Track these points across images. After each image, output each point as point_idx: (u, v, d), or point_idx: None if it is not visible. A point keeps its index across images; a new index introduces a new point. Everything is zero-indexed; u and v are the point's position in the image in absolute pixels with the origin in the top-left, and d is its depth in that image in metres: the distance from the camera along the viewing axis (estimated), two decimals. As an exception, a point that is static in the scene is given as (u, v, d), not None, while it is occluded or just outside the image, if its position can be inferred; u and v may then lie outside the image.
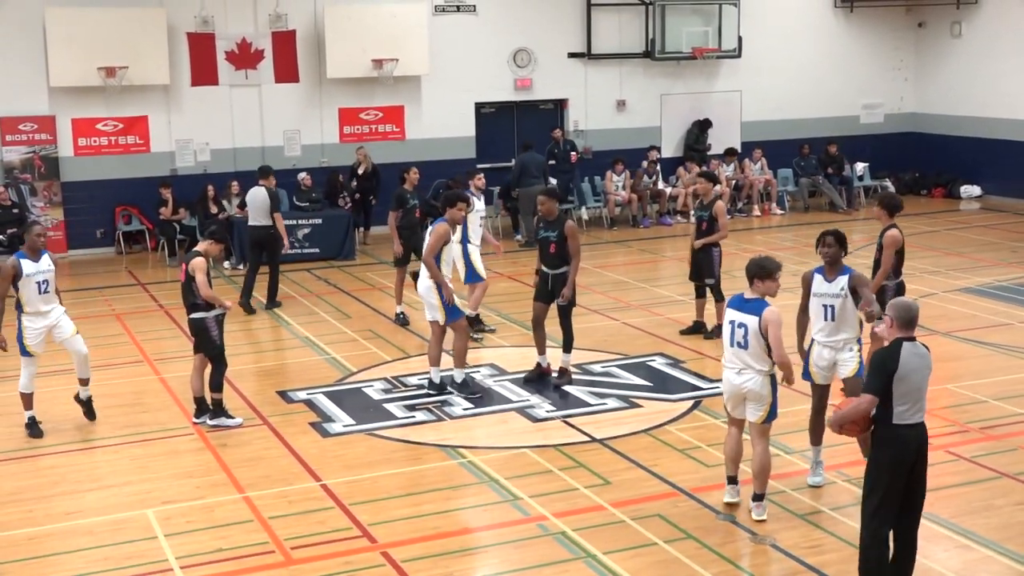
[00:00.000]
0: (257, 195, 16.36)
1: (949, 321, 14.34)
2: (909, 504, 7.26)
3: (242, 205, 18.12)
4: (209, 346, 11.08)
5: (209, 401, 11.19)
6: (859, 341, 9.37)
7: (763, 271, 8.53)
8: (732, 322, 8.54)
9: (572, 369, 12.27)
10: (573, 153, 21.84)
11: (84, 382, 11.25)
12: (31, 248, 10.78)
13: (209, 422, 11.16)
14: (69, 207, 20.38)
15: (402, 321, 15.12)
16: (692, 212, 14.28)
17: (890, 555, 7.35)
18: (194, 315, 11.05)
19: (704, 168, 23.04)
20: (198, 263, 10.90)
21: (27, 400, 11.01)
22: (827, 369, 9.36)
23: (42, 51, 19.68)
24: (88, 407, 11.37)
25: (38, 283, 10.71)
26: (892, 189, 25.38)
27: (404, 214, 14.99)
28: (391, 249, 15.37)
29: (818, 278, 9.45)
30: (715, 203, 13.90)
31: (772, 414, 8.59)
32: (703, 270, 13.95)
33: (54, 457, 10.54)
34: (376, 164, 20.86)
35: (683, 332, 14.08)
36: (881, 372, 7.11)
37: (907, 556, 7.36)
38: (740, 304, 8.59)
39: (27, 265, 10.64)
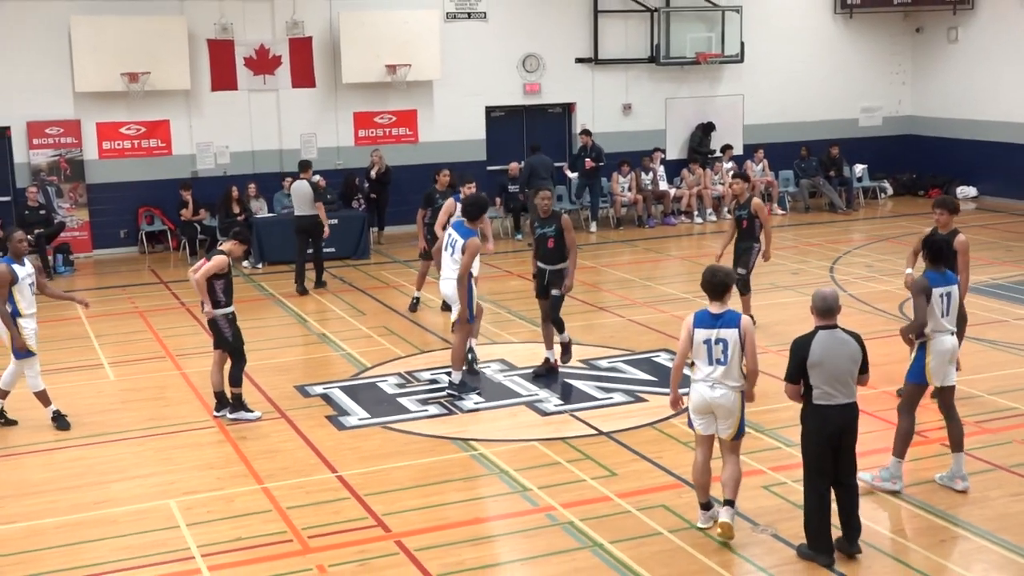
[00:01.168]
0: (300, 188, 17.27)
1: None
2: (845, 467, 7.84)
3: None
4: (223, 342, 11.10)
5: (229, 395, 11.22)
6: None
7: (726, 286, 8.04)
8: (708, 340, 7.92)
9: (574, 358, 12.28)
10: (588, 160, 21.67)
11: (3, 394, 11.19)
12: (15, 254, 10.81)
13: (229, 415, 11.19)
14: (94, 208, 20.45)
15: (414, 305, 15.43)
16: (731, 212, 14.22)
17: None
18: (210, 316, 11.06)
19: (707, 170, 23.19)
20: (217, 258, 10.91)
21: (44, 397, 11.05)
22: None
23: (68, 58, 19.74)
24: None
25: (28, 285, 10.81)
26: (890, 191, 25.41)
27: (431, 213, 15.03)
28: (408, 247, 15.49)
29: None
30: (752, 201, 13.95)
31: (741, 430, 8.17)
32: (739, 261, 13.89)
33: (80, 449, 10.58)
34: (389, 166, 20.86)
35: None
36: (793, 359, 7.76)
37: (853, 508, 7.90)
38: (711, 320, 7.95)
39: (18, 269, 10.72)
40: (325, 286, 17.28)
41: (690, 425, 8.38)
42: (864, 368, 7.87)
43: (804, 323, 13.83)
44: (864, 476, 8.83)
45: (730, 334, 7.92)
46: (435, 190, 15.35)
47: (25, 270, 10.80)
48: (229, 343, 11.10)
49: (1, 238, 11.05)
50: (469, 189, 13.84)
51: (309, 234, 17.20)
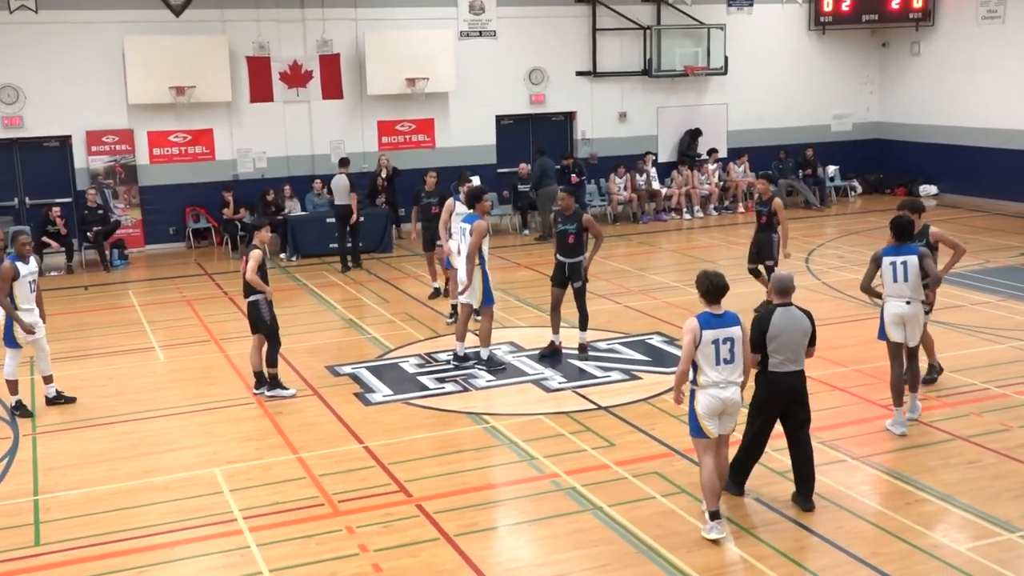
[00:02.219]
0: (339, 181, 18.16)
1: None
2: (799, 427, 8.05)
3: (330, 191, 18.82)
4: (262, 326, 11.09)
5: (266, 375, 11.21)
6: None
7: (726, 289, 7.68)
8: (716, 340, 7.51)
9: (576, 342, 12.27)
10: (573, 175, 21.28)
11: (48, 379, 11.12)
12: (20, 255, 10.70)
13: (267, 393, 11.18)
14: (146, 208, 20.42)
15: (435, 293, 15.52)
16: (754, 207, 14.32)
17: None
18: (250, 299, 11.07)
19: (695, 171, 23.11)
20: (254, 253, 10.93)
21: (13, 386, 10.82)
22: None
23: (121, 74, 19.71)
24: (57, 400, 11.12)
25: (29, 283, 10.71)
26: (860, 190, 25.29)
27: (420, 210, 15.47)
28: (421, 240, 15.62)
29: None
30: (774, 199, 13.99)
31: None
32: (763, 253, 13.94)
33: (134, 423, 10.58)
34: (399, 168, 20.71)
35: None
36: (755, 332, 7.86)
37: (809, 465, 8.09)
38: (714, 321, 7.56)
39: (21, 267, 10.62)
40: (359, 266, 17.97)
41: (699, 434, 7.67)
42: (812, 341, 8.06)
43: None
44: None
45: (735, 332, 7.61)
46: (421, 190, 15.55)
47: (28, 268, 10.69)
48: (267, 326, 11.08)
49: (10, 237, 10.93)
50: (467, 188, 13.95)
51: (346, 220, 18.01)
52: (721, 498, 7.86)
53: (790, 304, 8.00)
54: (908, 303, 9.52)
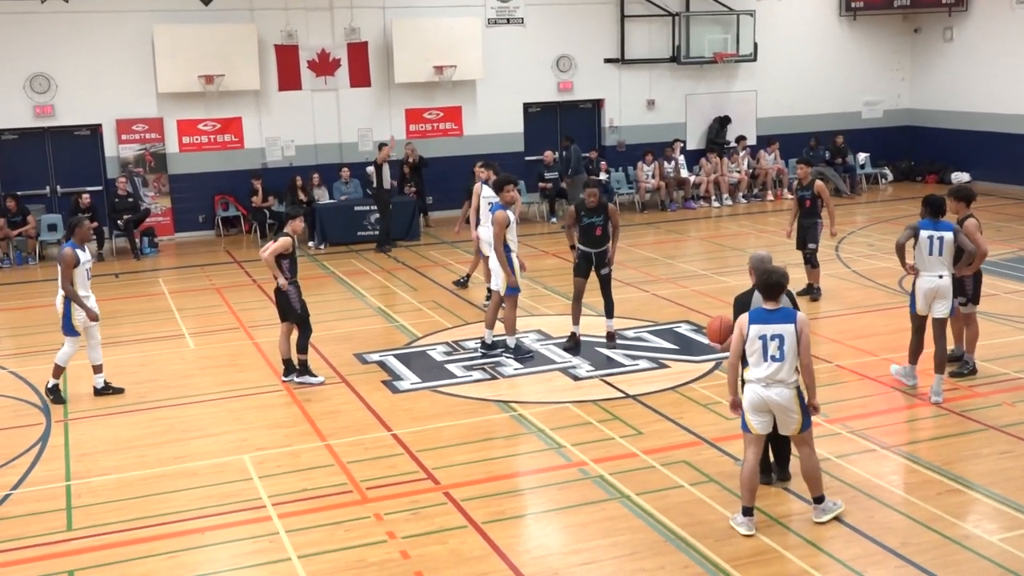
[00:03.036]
0: (389, 169, 18.54)
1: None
2: None
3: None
4: (291, 313, 11.13)
5: (296, 362, 11.26)
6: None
7: (782, 287, 7.42)
8: (763, 336, 7.32)
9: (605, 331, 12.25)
10: (603, 163, 21.05)
11: (98, 369, 11.08)
12: (81, 240, 10.72)
13: (296, 380, 11.23)
14: (175, 196, 20.56)
15: (463, 281, 15.61)
16: (795, 193, 14.40)
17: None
18: (278, 289, 11.11)
19: (724, 159, 22.98)
20: (281, 240, 10.97)
21: (58, 371, 10.87)
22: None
23: (151, 62, 19.82)
24: (104, 391, 11.07)
25: (86, 270, 10.74)
26: (891, 177, 25.06)
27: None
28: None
29: None
30: (815, 183, 14.04)
31: (807, 423, 7.54)
32: (808, 237, 13.91)
33: (164, 410, 10.66)
34: (424, 157, 20.78)
35: (799, 293, 13.26)
36: (737, 311, 7.88)
37: (784, 447, 8.19)
38: (766, 317, 7.38)
39: (80, 254, 10.63)
40: (389, 249, 18.51)
41: (744, 427, 7.58)
42: None
43: (810, 295, 13.76)
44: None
45: (787, 329, 7.30)
46: (473, 182, 15.36)
47: (85, 256, 10.74)
48: (298, 314, 11.13)
49: (71, 224, 10.90)
50: (486, 173, 14.22)
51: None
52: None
53: None
54: (940, 277, 9.92)
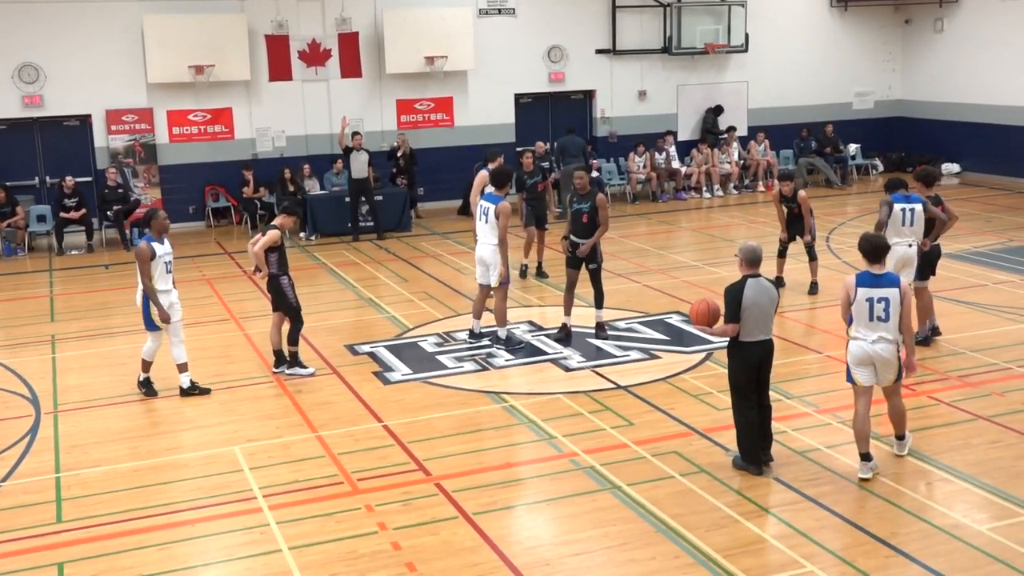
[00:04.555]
0: (360, 157, 18.75)
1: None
2: (762, 390, 8.35)
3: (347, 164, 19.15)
4: (285, 305, 11.12)
5: (286, 353, 11.24)
6: None
7: (886, 248, 8.29)
8: (871, 299, 7.93)
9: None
10: (539, 183, 20.25)
11: (183, 367, 10.74)
12: (158, 231, 10.39)
13: (286, 371, 11.21)
14: (165, 187, 20.48)
15: (523, 272, 15.47)
16: (780, 201, 14.39)
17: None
18: (271, 275, 11.08)
19: (715, 150, 22.97)
20: (270, 232, 10.94)
21: (146, 365, 10.72)
22: None
23: (141, 53, 19.73)
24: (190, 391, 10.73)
25: (165, 263, 10.39)
26: (881, 168, 25.09)
27: (527, 192, 15.40)
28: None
29: None
30: (799, 194, 14.01)
31: (900, 374, 8.15)
32: (801, 235, 14.06)
33: (155, 401, 10.64)
34: (414, 149, 20.73)
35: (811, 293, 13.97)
36: (731, 303, 8.12)
37: (767, 424, 8.44)
38: (873, 280, 7.98)
39: (157, 247, 10.32)
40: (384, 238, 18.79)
41: (849, 379, 8.19)
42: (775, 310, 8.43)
43: (804, 286, 13.79)
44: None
45: (892, 293, 7.93)
46: (521, 171, 15.34)
47: (164, 248, 10.38)
48: (291, 306, 11.11)
49: (146, 217, 10.55)
50: (498, 164, 14.06)
51: (363, 192, 18.87)
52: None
53: (759, 275, 8.29)
54: (910, 246, 11.00)
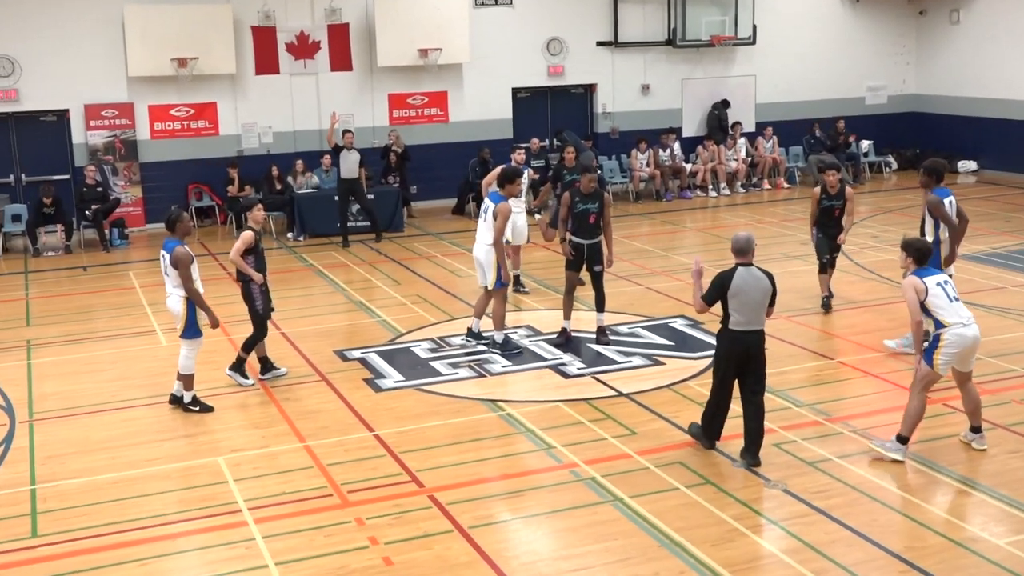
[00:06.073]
0: (351, 156, 18.58)
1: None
2: (753, 386, 8.59)
3: (337, 164, 18.99)
4: (251, 312, 11.07)
5: (238, 356, 11.12)
6: None
7: (930, 251, 8.89)
8: (940, 283, 8.54)
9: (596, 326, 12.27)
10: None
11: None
12: (183, 234, 10.26)
13: (227, 372, 11.12)
14: (147, 185, 20.47)
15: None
16: (818, 202, 13.27)
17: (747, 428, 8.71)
18: (242, 282, 11.04)
19: (722, 146, 22.98)
20: (244, 234, 10.88)
21: (190, 380, 10.39)
22: None
23: (121, 44, 19.74)
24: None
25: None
26: (895, 166, 25.12)
27: (563, 187, 14.74)
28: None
29: None
30: (845, 190, 13.20)
31: None
32: (834, 247, 13.23)
33: (136, 410, 10.62)
34: (411, 145, 20.76)
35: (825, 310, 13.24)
36: (715, 287, 8.53)
37: (758, 423, 8.62)
38: (928, 272, 8.63)
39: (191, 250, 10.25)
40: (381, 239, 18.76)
41: (930, 364, 8.49)
42: (772, 302, 8.65)
43: (815, 289, 13.79)
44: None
45: (947, 277, 8.68)
46: (562, 166, 15.08)
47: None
48: (257, 314, 11.05)
49: (170, 219, 10.33)
50: (519, 155, 14.72)
51: (353, 193, 18.68)
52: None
53: (750, 264, 8.57)
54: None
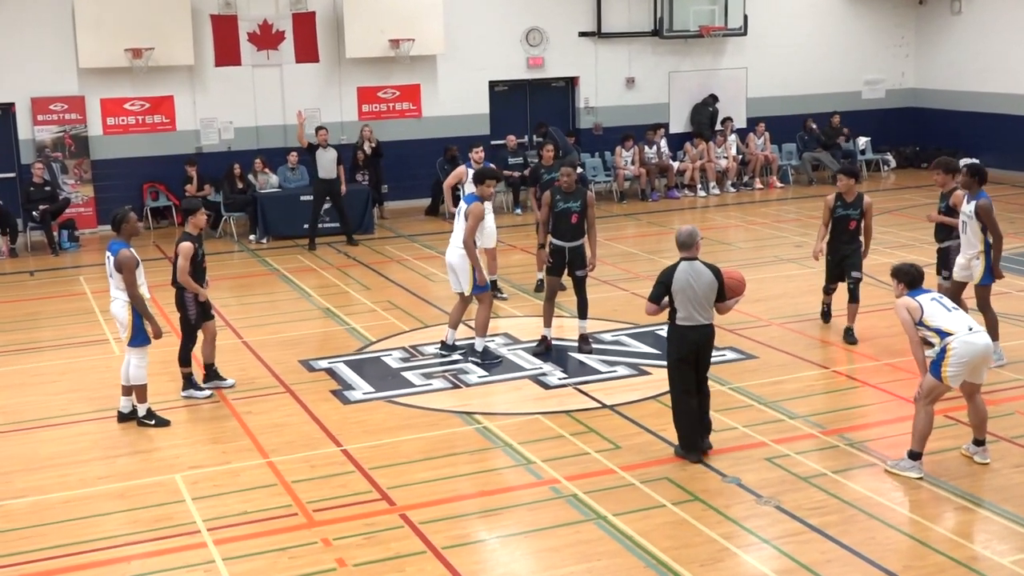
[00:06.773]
0: (327, 155, 18.60)
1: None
2: (699, 378, 9.12)
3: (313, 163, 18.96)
4: (182, 320, 11.04)
5: (183, 373, 11.09)
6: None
7: (923, 275, 8.94)
8: (933, 298, 8.75)
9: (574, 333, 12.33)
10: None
11: (131, 391, 10.47)
12: (129, 235, 10.26)
13: (182, 394, 11.06)
14: (99, 184, 20.39)
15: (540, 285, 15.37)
16: (830, 211, 12.41)
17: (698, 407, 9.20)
18: (176, 288, 10.98)
19: (711, 143, 23.08)
20: (182, 248, 10.78)
21: (142, 392, 10.36)
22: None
23: (71, 33, 19.66)
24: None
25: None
26: (893, 164, 25.30)
27: (541, 188, 14.64)
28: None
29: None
30: (863, 199, 12.33)
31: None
32: (851, 265, 12.30)
33: (87, 424, 10.57)
34: (382, 142, 20.77)
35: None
36: (659, 284, 8.99)
37: (704, 405, 9.25)
38: (919, 291, 8.77)
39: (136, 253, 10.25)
40: (356, 244, 18.69)
41: (938, 377, 8.53)
42: (721, 297, 9.01)
43: (809, 295, 13.88)
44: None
45: (940, 293, 9.12)
46: (540, 165, 15.07)
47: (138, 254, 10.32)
48: (188, 321, 11.01)
49: (115, 219, 10.31)
50: (478, 154, 14.82)
51: (329, 194, 18.67)
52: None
53: (694, 259, 8.96)
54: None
